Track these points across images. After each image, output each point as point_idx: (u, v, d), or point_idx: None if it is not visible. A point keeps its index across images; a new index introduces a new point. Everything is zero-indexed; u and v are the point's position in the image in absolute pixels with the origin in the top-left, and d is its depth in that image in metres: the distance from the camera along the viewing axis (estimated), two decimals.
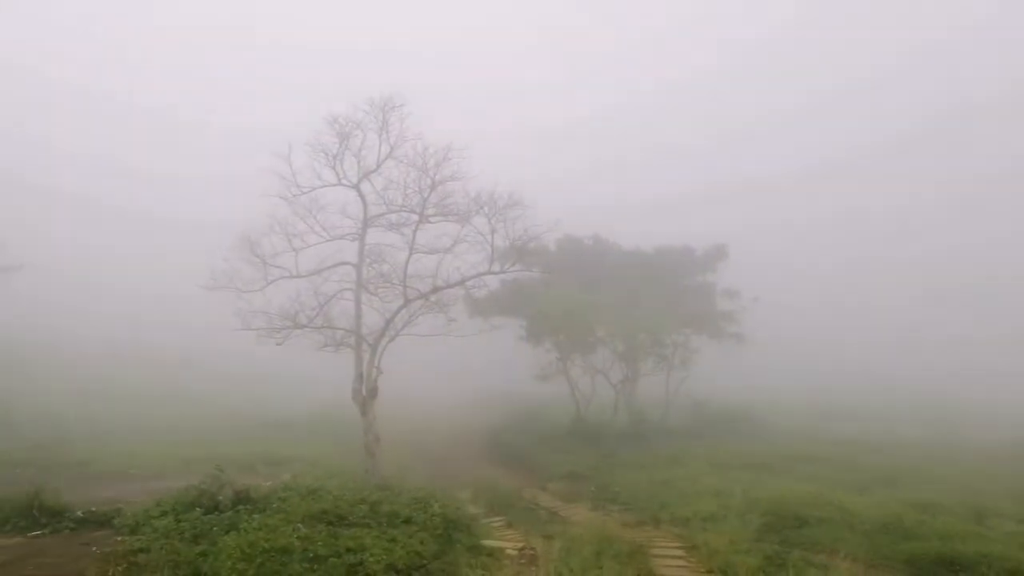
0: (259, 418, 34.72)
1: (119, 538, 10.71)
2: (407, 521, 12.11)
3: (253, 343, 22.01)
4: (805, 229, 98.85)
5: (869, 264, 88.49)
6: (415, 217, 22.18)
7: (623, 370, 34.57)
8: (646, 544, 14.02)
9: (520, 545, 13.66)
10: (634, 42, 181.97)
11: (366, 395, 20.72)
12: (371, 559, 9.70)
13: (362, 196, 22.05)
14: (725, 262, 36.76)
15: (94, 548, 10.31)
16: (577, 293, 32.26)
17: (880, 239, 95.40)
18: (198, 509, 11.57)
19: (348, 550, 9.85)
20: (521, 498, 20.41)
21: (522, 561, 12.69)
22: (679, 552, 13.71)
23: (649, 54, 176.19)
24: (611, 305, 33.12)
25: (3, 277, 45.22)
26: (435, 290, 22.41)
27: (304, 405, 39.67)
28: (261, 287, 21.48)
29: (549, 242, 28.00)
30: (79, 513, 12.12)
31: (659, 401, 34.11)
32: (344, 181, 21.86)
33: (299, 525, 10.59)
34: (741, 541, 13.60)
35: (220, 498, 11.97)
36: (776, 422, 35.79)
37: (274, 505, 12.07)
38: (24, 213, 68.55)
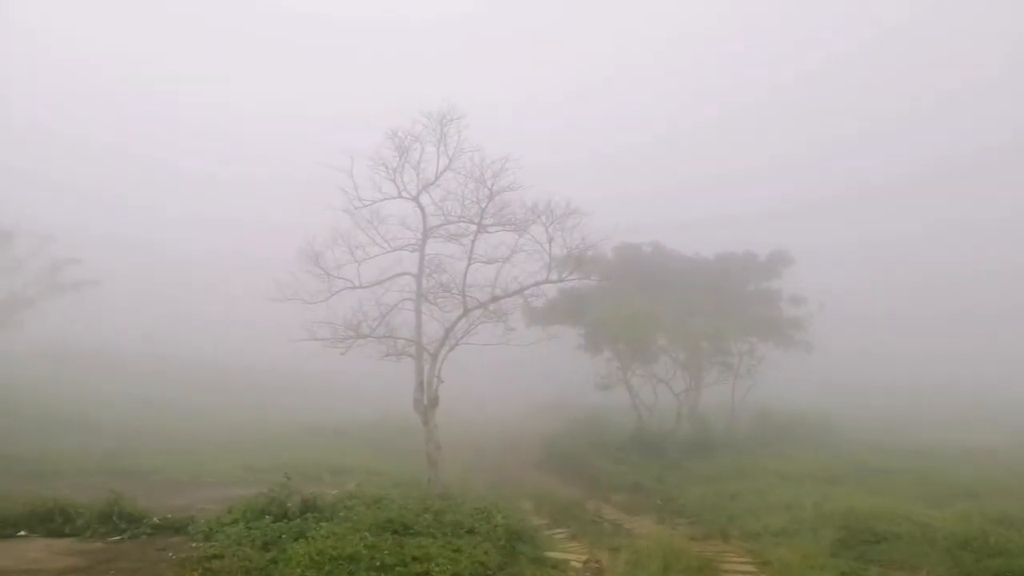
0: (321, 427, 35.35)
1: (194, 544, 11.00)
2: (471, 531, 12.08)
3: (316, 352, 22.49)
4: (889, 239, 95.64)
5: (954, 272, 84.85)
6: (473, 227, 22.31)
7: (686, 379, 33.96)
8: (715, 559, 13.66)
9: (585, 558, 13.48)
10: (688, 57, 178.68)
11: (427, 404, 20.86)
12: (437, 569, 9.70)
13: (421, 208, 22.28)
14: (791, 268, 35.80)
15: (170, 554, 10.60)
16: (637, 301, 31.88)
17: (970, 248, 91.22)
18: (268, 517, 11.80)
19: (414, 559, 9.88)
20: (584, 509, 20.17)
21: (587, 574, 12.52)
22: (750, 568, 13.32)
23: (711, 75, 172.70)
24: (672, 313, 32.63)
25: (81, 291, 47.46)
26: (494, 299, 22.48)
27: (365, 414, 40.23)
28: (325, 298, 21.92)
29: (607, 250, 27.73)
30: (155, 519, 12.50)
31: (724, 411, 33.36)
32: (404, 193, 22.14)
33: (366, 534, 10.67)
34: (815, 556, 13.13)
35: (288, 506, 12.19)
36: (847, 432, 34.54)
37: (340, 514, 12.22)
38: (86, 222, 71.50)
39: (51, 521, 12.30)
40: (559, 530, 17.21)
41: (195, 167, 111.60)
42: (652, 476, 24.91)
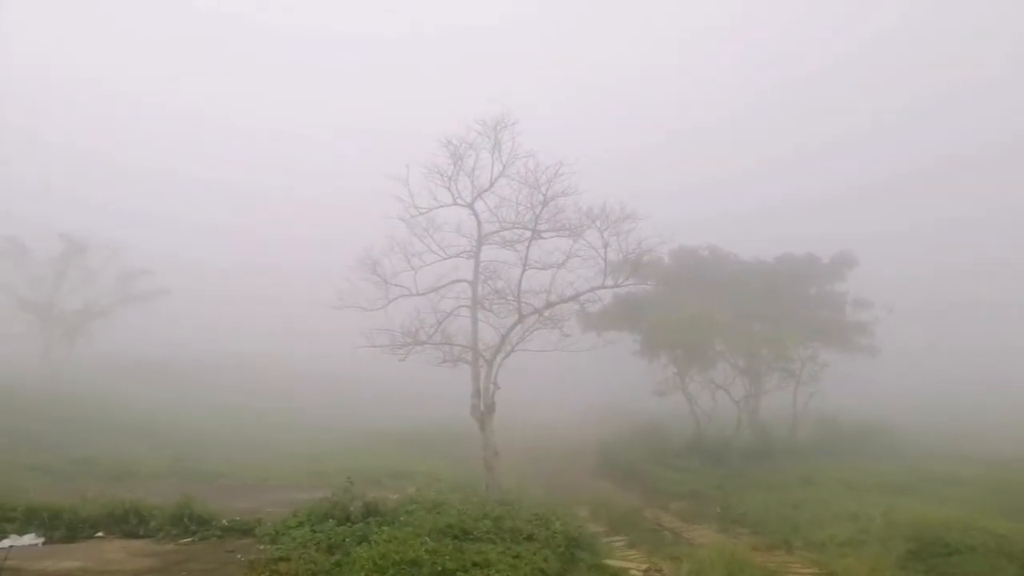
0: (380, 432, 35.88)
1: (261, 547, 11.29)
2: (529, 538, 12.08)
3: (375, 359, 22.85)
4: (934, 230, 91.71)
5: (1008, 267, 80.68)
6: (528, 233, 22.36)
7: (745, 385, 33.26)
8: (779, 570, 13.35)
9: (645, 566, 13.32)
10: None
11: (484, 410, 20.96)
12: (497, 575, 9.73)
13: (476, 215, 22.45)
14: (855, 270, 34.73)
15: (239, 556, 10.91)
16: (694, 305, 31.41)
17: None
18: (331, 520, 12.03)
19: (475, 565, 9.93)
20: (642, 517, 19.97)
21: None
22: None
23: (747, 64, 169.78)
24: (731, 318, 32.03)
25: (151, 301, 49.30)
26: (549, 305, 22.47)
27: (422, 420, 40.66)
28: (383, 305, 22.26)
29: (663, 254, 27.39)
30: (224, 522, 12.89)
31: (785, 417, 32.53)
32: (459, 201, 22.35)
33: (427, 539, 10.78)
34: (884, 569, 12.73)
35: (351, 510, 12.40)
36: (914, 440, 33.25)
37: (401, 518, 12.37)
38: (148, 235, 74.29)
39: (127, 522, 12.81)
40: (617, 538, 17.06)
41: (252, 183, 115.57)
42: (711, 484, 24.46)
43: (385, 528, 11.51)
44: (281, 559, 10.18)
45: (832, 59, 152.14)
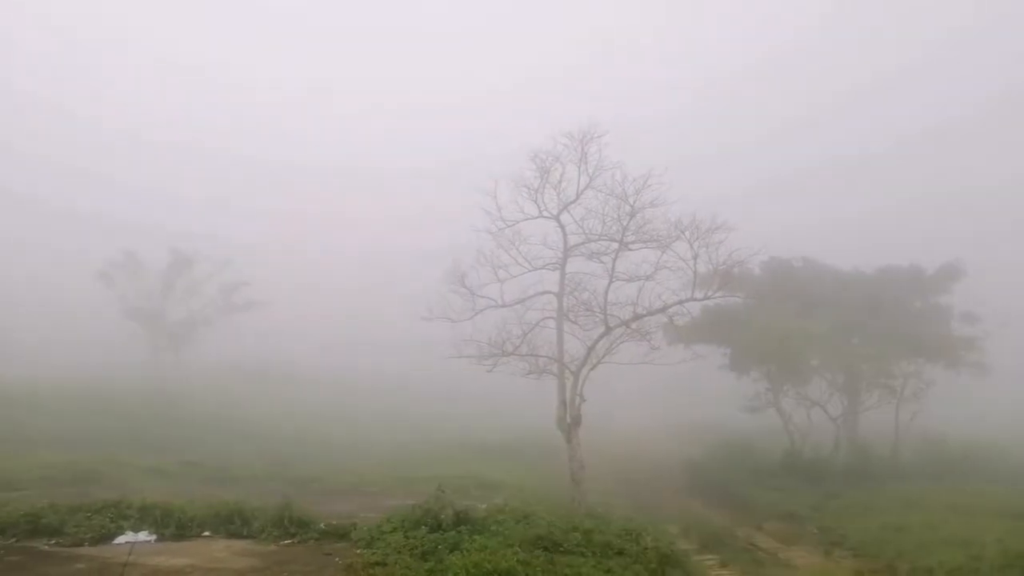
0: (466, 442, 36.26)
1: (357, 551, 11.61)
2: (620, 553, 11.92)
3: (462, 369, 23.19)
4: None
5: None
6: (615, 245, 22.20)
7: (843, 402, 31.84)
8: None
9: None
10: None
11: (570, 423, 20.87)
12: None
13: (562, 227, 22.49)
14: (962, 282, 32.73)
15: (337, 559, 11.25)
16: (788, 319, 30.33)
17: None
18: (423, 527, 12.23)
19: None
20: (735, 537, 19.34)
21: None
22: None
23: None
24: (827, 332, 30.75)
25: (251, 310, 51.76)
26: (636, 317, 22.18)
27: (507, 430, 40.85)
28: (470, 317, 22.55)
29: (754, 265, 26.61)
30: (321, 525, 13.32)
31: (886, 437, 30.91)
32: (545, 213, 22.45)
33: (517, 549, 10.81)
34: None
35: (442, 518, 12.57)
36: None
37: (492, 528, 12.46)
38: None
39: (231, 523, 13.41)
40: (709, 557, 16.60)
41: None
42: (808, 505, 23.48)
43: (476, 537, 11.61)
44: (377, 563, 10.44)
45: None
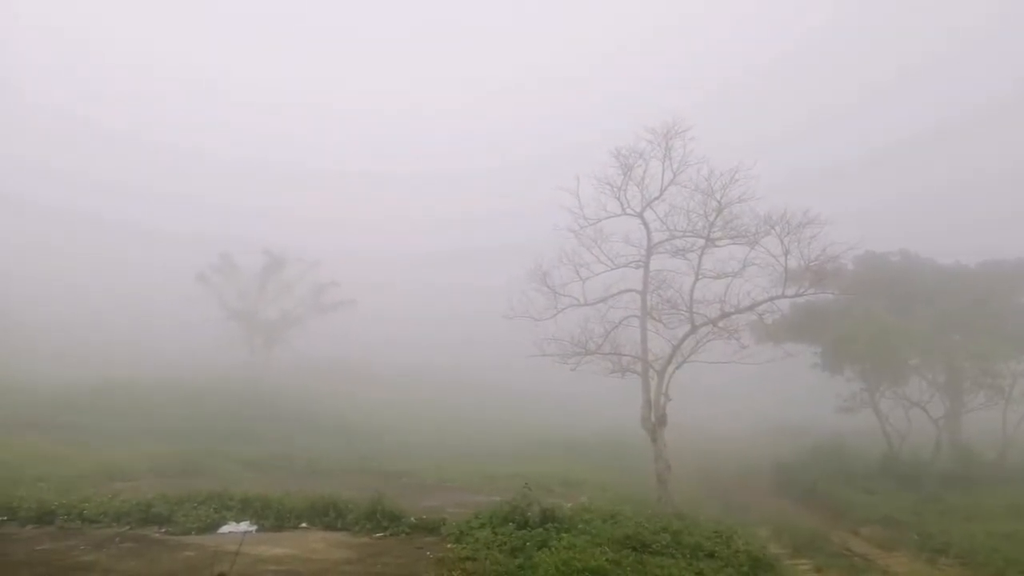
0: (550, 440, 36.35)
1: (448, 545, 11.84)
2: (711, 555, 11.71)
3: (545, 367, 23.24)
4: None
5: None
6: (701, 242, 21.79)
7: (945, 403, 30.14)
8: None
9: None
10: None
11: (655, 422, 20.63)
12: None
13: (646, 224, 22.25)
14: None
15: (428, 553, 11.51)
16: (884, 316, 28.95)
17: None
18: (511, 524, 12.36)
19: None
20: (828, 541, 18.65)
21: None
22: None
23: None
24: (927, 329, 29.20)
25: (340, 310, 53.50)
26: (723, 316, 21.70)
27: (590, 429, 40.72)
28: (552, 315, 22.59)
29: (847, 261, 25.53)
30: (412, 519, 13.64)
31: (992, 440, 29.07)
32: (628, 210, 22.26)
33: (606, 548, 10.79)
34: None
35: (529, 515, 12.66)
36: None
37: (579, 526, 12.46)
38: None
39: (326, 515, 13.90)
40: (802, 561, 16.09)
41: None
42: (906, 509, 22.33)
43: (563, 535, 11.64)
44: (467, 558, 10.62)
45: None
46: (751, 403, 56.42)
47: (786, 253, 21.03)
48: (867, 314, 28.89)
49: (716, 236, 21.43)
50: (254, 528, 13.61)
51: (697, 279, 21.74)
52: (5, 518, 13.18)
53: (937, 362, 29.90)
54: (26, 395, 31.22)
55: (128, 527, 12.97)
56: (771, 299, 21.89)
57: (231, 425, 31.31)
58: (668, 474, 20.17)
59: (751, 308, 21.78)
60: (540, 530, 12.04)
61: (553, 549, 10.75)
